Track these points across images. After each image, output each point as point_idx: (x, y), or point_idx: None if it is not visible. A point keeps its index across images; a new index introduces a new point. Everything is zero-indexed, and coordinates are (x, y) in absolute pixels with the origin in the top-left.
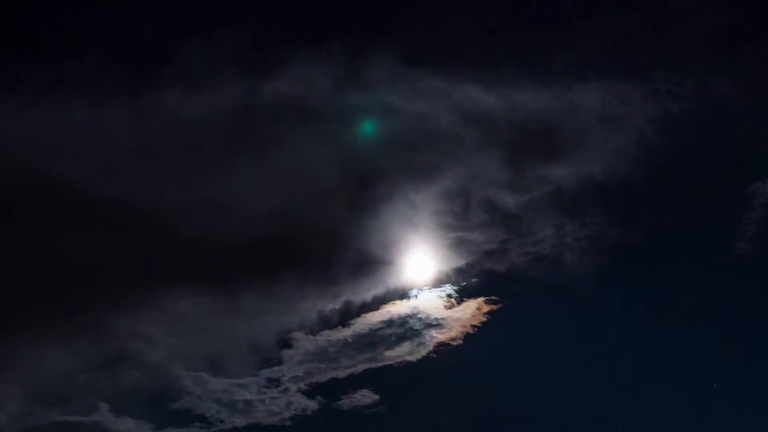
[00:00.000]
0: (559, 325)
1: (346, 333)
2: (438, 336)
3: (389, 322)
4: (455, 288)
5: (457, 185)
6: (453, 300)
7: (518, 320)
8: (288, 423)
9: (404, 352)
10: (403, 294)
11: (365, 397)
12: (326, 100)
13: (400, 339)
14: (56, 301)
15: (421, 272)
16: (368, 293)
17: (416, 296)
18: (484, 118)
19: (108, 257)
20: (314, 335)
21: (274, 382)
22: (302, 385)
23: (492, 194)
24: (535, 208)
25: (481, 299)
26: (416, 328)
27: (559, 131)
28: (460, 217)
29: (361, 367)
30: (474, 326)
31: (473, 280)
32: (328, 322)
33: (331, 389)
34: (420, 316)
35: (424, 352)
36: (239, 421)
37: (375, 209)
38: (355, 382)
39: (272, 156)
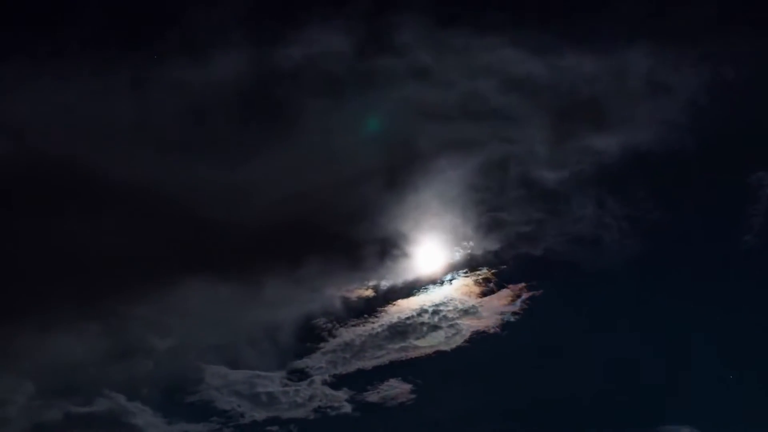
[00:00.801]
0: (599, 312)
1: (375, 322)
2: (473, 324)
3: (421, 311)
4: (492, 272)
5: (494, 159)
6: (490, 285)
7: (557, 307)
8: (312, 416)
9: (437, 342)
10: (434, 279)
11: (395, 388)
12: (348, 67)
13: (433, 328)
14: (69, 289)
15: (454, 256)
16: (398, 278)
17: (450, 281)
18: (524, 84)
19: (122, 243)
20: (341, 324)
21: (297, 373)
22: (328, 377)
23: (531, 169)
24: (576, 184)
25: (519, 285)
26: (450, 316)
27: (604, 99)
28: (496, 194)
29: (391, 357)
30: (513, 313)
31: (510, 263)
32: (356, 310)
33: (359, 380)
34: (454, 303)
35: (459, 341)
36: (259, 415)
37: (406, 187)
38: (384, 372)
39: (293, 132)
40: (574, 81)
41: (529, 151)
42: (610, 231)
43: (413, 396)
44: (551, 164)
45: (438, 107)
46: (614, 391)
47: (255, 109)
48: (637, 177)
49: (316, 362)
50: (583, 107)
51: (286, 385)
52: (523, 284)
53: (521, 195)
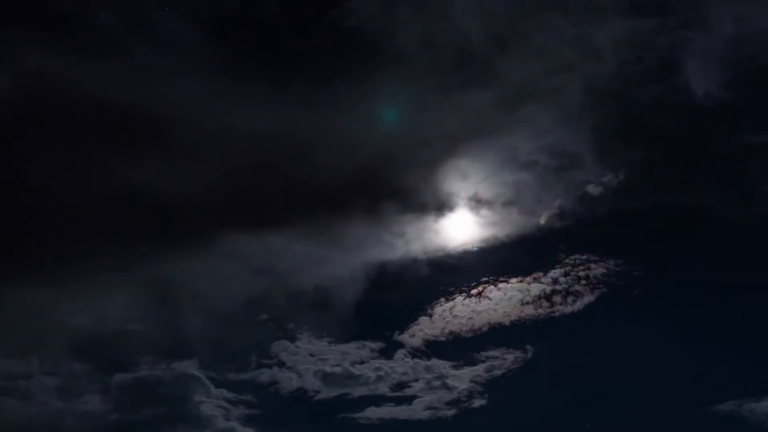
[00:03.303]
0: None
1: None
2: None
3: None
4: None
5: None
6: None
7: (693, 266)
8: (391, 393)
9: (551, 305)
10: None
11: (499, 357)
12: None
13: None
14: (118, 241)
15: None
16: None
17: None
18: None
19: (184, 192)
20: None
21: (379, 341)
22: (415, 347)
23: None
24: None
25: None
26: (567, 279)
27: None
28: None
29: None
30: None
31: (636, 212)
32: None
33: (454, 349)
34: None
35: (578, 305)
36: (328, 393)
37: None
38: (487, 340)
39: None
40: None
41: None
42: None
43: (520, 364)
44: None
45: None
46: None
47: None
48: None
49: (403, 328)
50: None
51: (362, 361)
52: (649, 239)
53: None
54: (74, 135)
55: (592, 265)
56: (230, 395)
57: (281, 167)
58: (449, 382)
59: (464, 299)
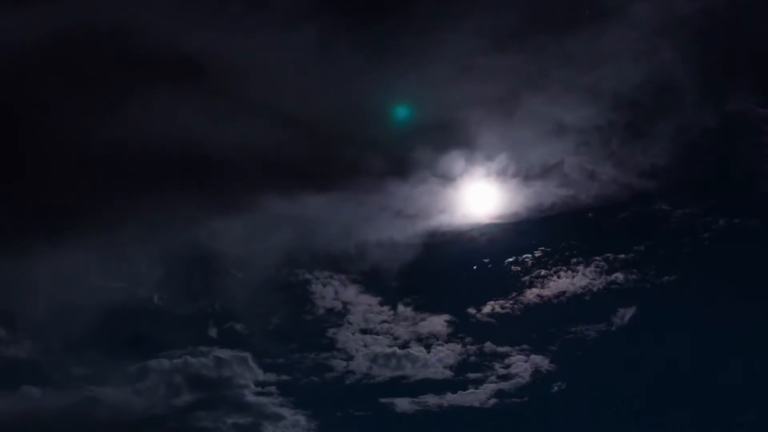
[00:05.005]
0: None
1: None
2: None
3: None
4: None
5: None
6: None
7: None
8: (453, 377)
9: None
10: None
11: (581, 334)
12: None
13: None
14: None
15: None
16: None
17: None
18: None
19: (222, 145)
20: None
21: (442, 316)
22: (483, 323)
23: None
24: None
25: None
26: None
27: None
28: None
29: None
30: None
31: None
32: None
33: (533, 326)
34: None
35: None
36: (383, 376)
37: None
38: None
39: None
40: None
41: None
42: None
43: (605, 343)
44: None
45: None
46: None
47: None
48: None
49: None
50: None
51: (420, 340)
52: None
53: None
54: (117, 83)
55: (697, 222)
56: (279, 378)
57: (336, 123)
58: (522, 364)
59: (541, 271)
